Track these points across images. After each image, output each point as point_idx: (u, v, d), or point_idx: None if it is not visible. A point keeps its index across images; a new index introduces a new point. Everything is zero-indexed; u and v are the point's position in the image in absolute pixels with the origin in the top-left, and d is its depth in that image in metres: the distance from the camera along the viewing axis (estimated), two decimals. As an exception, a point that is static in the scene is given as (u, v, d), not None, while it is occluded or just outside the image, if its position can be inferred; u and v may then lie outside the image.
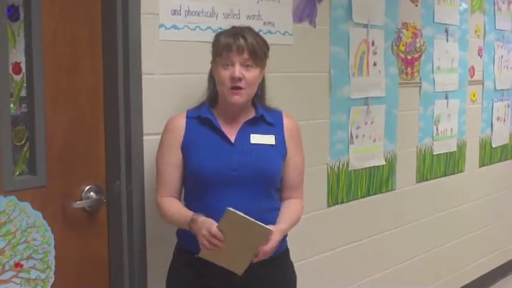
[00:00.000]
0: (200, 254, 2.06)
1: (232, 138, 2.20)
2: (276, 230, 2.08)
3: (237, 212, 1.96)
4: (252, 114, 2.26)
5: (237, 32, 2.17)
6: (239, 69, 2.13)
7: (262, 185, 2.19)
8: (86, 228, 2.38)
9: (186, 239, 2.19)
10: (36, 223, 2.20)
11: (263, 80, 2.28)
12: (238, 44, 2.13)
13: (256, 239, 2.02)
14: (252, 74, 2.16)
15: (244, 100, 2.18)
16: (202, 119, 2.21)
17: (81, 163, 2.34)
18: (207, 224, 2.02)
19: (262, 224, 2.00)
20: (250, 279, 2.15)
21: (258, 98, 2.28)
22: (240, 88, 2.14)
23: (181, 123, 2.23)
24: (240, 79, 2.13)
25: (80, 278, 2.36)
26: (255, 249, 2.04)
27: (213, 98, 2.27)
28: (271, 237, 2.05)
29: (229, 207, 1.96)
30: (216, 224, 2.00)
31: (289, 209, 2.26)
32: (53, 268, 2.26)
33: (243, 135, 2.21)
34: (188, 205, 2.22)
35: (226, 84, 2.14)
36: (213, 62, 2.22)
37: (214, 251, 2.01)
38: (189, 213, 2.11)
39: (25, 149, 2.21)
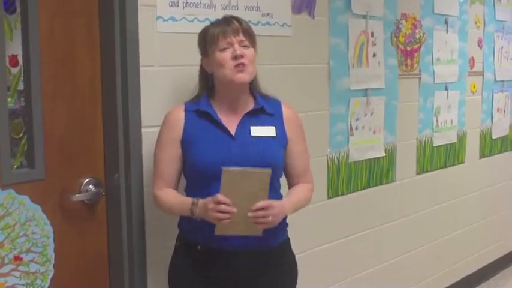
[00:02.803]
0: (217, 231, 2.06)
1: (232, 131, 2.19)
2: (276, 201, 2.10)
3: (232, 167, 1.99)
4: (251, 105, 2.25)
5: (227, 18, 2.21)
6: (239, 48, 2.14)
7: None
8: (85, 221, 2.38)
9: (189, 230, 2.19)
10: (35, 216, 2.20)
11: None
12: (233, 26, 2.16)
13: (259, 187, 2.03)
14: (250, 52, 2.17)
15: (248, 78, 2.18)
16: (201, 112, 2.21)
17: (79, 156, 2.34)
18: (210, 199, 2.03)
19: (259, 169, 2.03)
20: (251, 269, 2.17)
21: (254, 86, 2.28)
22: (243, 64, 2.14)
23: (180, 116, 2.22)
24: (242, 56, 2.13)
25: (79, 271, 2.36)
26: (262, 199, 2.04)
27: (209, 92, 2.26)
28: (270, 204, 2.05)
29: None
30: (218, 193, 2.01)
31: (293, 191, 2.30)
32: (53, 261, 2.25)
33: (243, 127, 2.21)
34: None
35: (229, 64, 2.14)
36: (205, 56, 2.22)
37: (229, 220, 2.01)
38: (189, 200, 2.13)
39: (23, 142, 2.20)
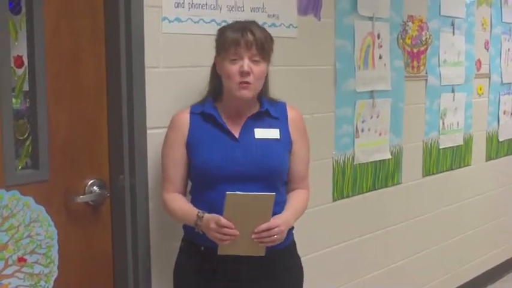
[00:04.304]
0: (219, 252, 2.07)
1: (236, 134, 2.19)
2: (278, 217, 2.09)
3: (236, 192, 1.98)
4: (256, 108, 2.24)
5: (244, 27, 2.15)
6: (248, 64, 2.11)
7: (268, 180, 2.18)
8: (90, 223, 2.37)
9: (193, 231, 2.18)
10: (40, 217, 2.19)
11: (267, 74, 2.25)
12: (247, 39, 2.11)
13: (263, 210, 2.02)
14: (259, 68, 2.14)
15: (251, 95, 2.17)
16: (206, 115, 2.20)
17: (84, 157, 2.33)
18: (212, 218, 2.03)
19: (262, 193, 2.02)
20: (256, 271, 2.16)
21: (264, 92, 2.27)
22: (248, 83, 2.12)
23: (185, 119, 2.22)
24: (248, 73, 2.11)
25: (83, 273, 2.35)
26: (265, 220, 2.04)
27: (216, 92, 2.25)
28: (274, 224, 2.05)
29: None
30: (222, 215, 2.00)
31: (293, 199, 2.27)
32: (57, 263, 2.25)
33: (247, 130, 2.20)
34: (194, 200, 2.22)
35: (235, 79, 2.13)
36: (218, 56, 2.20)
37: (231, 241, 2.01)
38: (194, 211, 2.12)
39: (27, 143, 2.19)
